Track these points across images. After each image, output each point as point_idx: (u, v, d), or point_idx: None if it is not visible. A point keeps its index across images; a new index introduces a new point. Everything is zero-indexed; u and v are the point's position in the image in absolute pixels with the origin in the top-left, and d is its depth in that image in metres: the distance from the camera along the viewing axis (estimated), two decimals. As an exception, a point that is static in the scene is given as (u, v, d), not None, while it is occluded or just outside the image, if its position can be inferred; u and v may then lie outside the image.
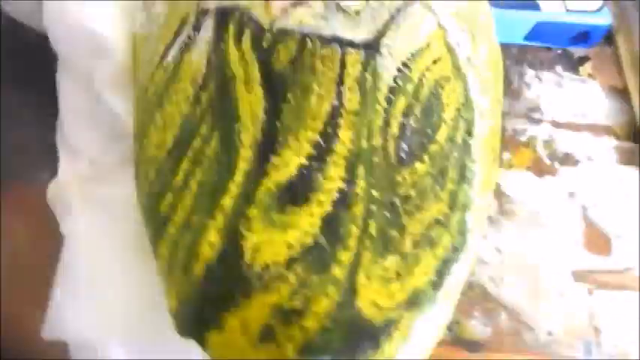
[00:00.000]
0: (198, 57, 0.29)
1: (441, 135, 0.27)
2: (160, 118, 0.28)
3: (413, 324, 0.24)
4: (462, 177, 0.27)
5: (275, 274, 0.21)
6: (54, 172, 0.34)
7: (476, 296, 0.36)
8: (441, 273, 0.25)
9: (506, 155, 0.41)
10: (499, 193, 0.40)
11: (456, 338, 0.35)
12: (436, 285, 0.25)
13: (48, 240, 0.32)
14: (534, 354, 0.35)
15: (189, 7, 0.30)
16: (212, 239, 0.22)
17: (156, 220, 0.24)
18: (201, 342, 0.22)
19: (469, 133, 0.29)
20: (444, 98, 0.28)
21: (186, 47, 0.30)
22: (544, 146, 0.42)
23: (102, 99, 0.33)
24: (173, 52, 0.30)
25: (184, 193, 0.24)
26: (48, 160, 0.35)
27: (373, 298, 0.23)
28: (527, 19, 0.43)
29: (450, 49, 0.30)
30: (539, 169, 0.41)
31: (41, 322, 0.28)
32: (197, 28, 0.30)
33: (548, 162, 0.41)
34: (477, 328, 0.35)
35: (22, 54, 0.35)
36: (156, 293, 0.27)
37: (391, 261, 0.23)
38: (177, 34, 0.31)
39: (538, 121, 0.43)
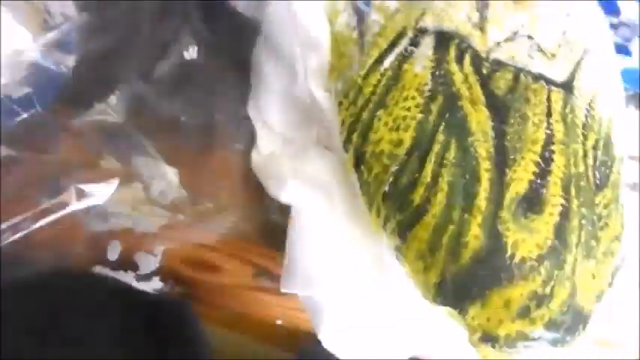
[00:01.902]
0: (422, 70, 0.34)
1: (616, 167, 0.34)
2: (388, 117, 0.33)
3: (596, 311, 0.31)
4: (622, 203, 0.34)
5: (531, 266, 0.28)
6: (245, 142, 0.39)
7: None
8: (613, 277, 0.32)
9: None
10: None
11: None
12: (610, 285, 0.32)
13: (249, 200, 0.37)
14: None
15: (407, 23, 0.36)
16: (476, 233, 0.28)
17: (410, 208, 0.30)
18: (462, 311, 0.28)
19: (619, 170, 0.36)
20: (612, 138, 0.35)
21: (404, 59, 0.35)
22: (618, 174, 0.50)
23: (304, 85, 0.37)
24: (390, 59, 0.35)
25: (436, 190, 0.30)
26: (239, 131, 0.39)
27: (583, 292, 0.29)
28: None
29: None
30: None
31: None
32: (415, 43, 0.35)
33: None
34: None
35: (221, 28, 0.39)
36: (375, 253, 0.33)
37: (590, 264, 0.30)
38: (393, 44, 0.36)
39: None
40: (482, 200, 0.29)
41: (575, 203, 0.30)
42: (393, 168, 0.32)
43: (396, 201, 0.31)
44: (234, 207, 0.37)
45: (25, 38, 0.33)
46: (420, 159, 0.31)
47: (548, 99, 0.33)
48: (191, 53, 0.36)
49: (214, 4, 0.37)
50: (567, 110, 0.33)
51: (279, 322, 0.39)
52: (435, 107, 0.33)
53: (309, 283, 0.32)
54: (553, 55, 0.35)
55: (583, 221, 0.30)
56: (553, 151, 0.31)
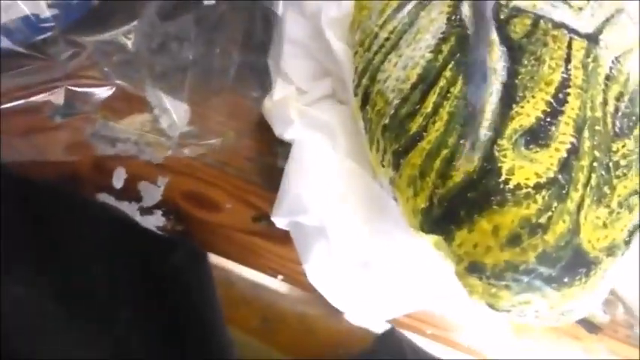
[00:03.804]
0: (438, 15, 0.33)
1: (643, 125, 0.31)
2: (398, 58, 0.32)
3: (608, 267, 0.28)
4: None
5: (526, 193, 0.25)
6: (261, 90, 0.39)
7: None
8: (631, 234, 0.29)
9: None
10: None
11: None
12: (626, 242, 0.29)
13: (256, 144, 0.36)
14: (640, 347, 0.39)
15: (427, -26, 0.35)
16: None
17: (406, 136, 0.29)
18: (448, 237, 0.26)
19: (651, 129, 0.33)
20: (641, 96, 0.33)
21: (423, 7, 0.34)
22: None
23: (323, 36, 0.37)
24: (408, 9, 0.35)
25: (435, 119, 0.28)
26: (255, 80, 0.39)
27: (588, 237, 0.27)
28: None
29: (644, 58, 0.34)
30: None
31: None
32: (435, -8, 0.35)
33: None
34: (598, 313, 0.39)
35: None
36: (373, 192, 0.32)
37: (602, 212, 0.28)
38: (413, -6, 0.35)
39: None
40: (481, 128, 0.28)
41: (587, 144, 0.28)
42: (395, 101, 0.31)
43: (394, 131, 0.30)
44: (241, 148, 0.37)
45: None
46: (422, 92, 0.30)
47: (569, 46, 0.31)
48: (209, -1, 0.37)
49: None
50: (590, 59, 0.31)
51: (280, 277, 0.38)
52: (446, 47, 0.32)
53: (298, 209, 0.31)
54: (580, 9, 0.33)
55: (595, 164, 0.28)
56: (568, 94, 0.30)
